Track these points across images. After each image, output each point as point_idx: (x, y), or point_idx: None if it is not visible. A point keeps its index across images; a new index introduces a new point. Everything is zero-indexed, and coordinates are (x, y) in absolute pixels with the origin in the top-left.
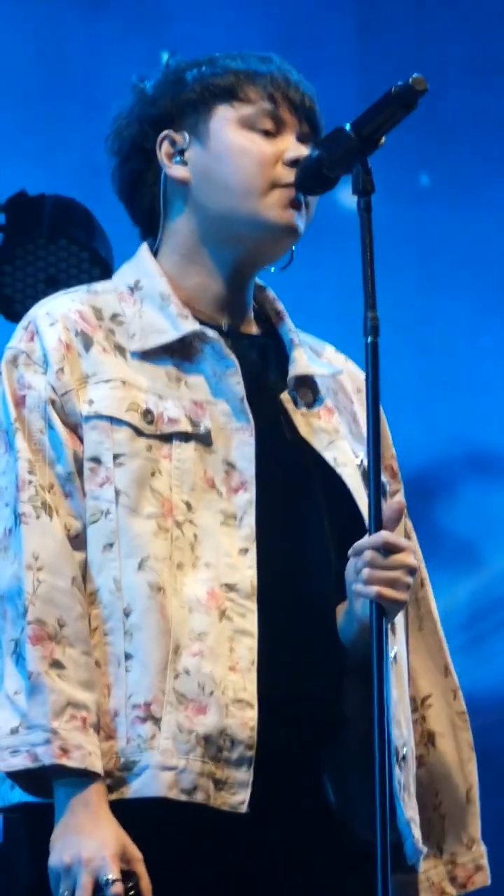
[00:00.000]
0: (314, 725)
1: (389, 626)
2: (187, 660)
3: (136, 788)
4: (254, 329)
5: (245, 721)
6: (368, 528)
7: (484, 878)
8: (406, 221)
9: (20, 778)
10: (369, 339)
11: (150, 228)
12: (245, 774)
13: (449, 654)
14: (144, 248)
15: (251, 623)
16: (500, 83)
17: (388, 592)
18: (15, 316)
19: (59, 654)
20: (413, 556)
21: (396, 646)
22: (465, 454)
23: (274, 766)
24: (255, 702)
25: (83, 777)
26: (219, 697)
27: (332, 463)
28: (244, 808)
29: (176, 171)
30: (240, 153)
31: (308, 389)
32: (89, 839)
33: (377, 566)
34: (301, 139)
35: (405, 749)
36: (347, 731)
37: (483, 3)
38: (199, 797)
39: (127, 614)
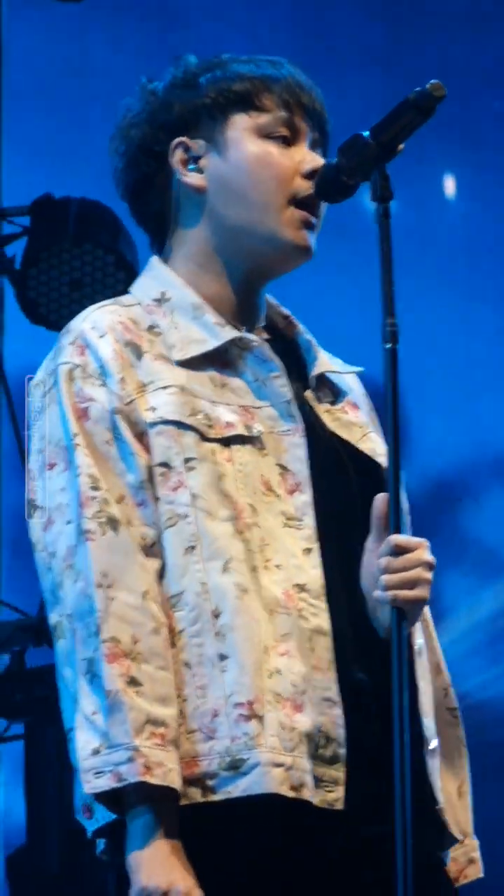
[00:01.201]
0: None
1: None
2: (276, 660)
3: (247, 786)
4: (264, 335)
5: (335, 719)
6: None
7: (476, 871)
8: (431, 226)
9: (104, 800)
10: (388, 346)
11: (157, 231)
12: (339, 772)
13: (441, 653)
14: (158, 260)
15: (325, 622)
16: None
17: (405, 594)
18: (40, 319)
19: (135, 671)
20: (428, 550)
21: (420, 639)
22: (490, 460)
23: (361, 762)
24: (339, 700)
25: (163, 797)
26: (311, 695)
27: (370, 454)
28: (340, 805)
29: (191, 178)
30: (259, 165)
31: (328, 388)
32: (170, 872)
33: (392, 570)
34: (313, 145)
35: (434, 741)
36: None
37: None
38: (305, 794)
39: (216, 615)
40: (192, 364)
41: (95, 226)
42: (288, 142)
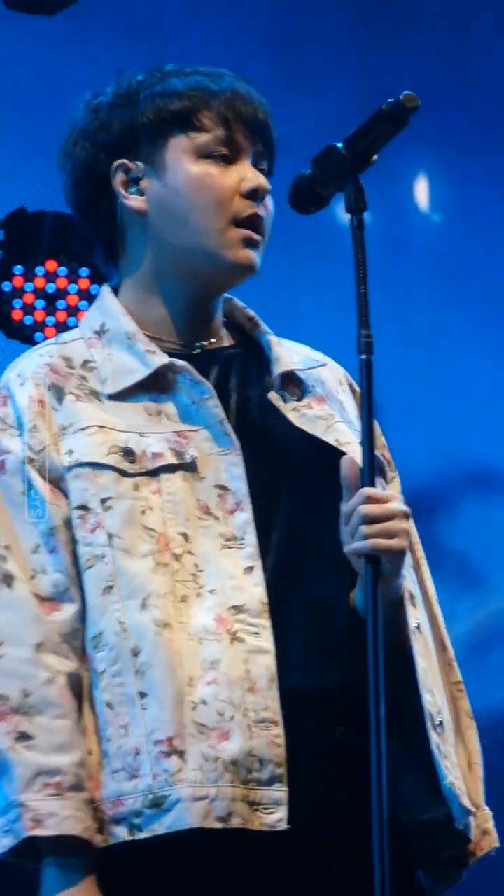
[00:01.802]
0: (341, 724)
1: (409, 597)
2: (202, 689)
3: (170, 823)
4: (226, 342)
5: (271, 739)
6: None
7: (491, 841)
8: (406, 235)
9: (18, 856)
10: (363, 357)
11: (108, 253)
12: (279, 792)
13: (445, 628)
14: (106, 290)
15: (266, 640)
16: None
17: (385, 543)
18: (14, 333)
19: (24, 726)
20: (402, 502)
21: (419, 617)
22: (465, 471)
23: (308, 782)
24: (279, 718)
25: (66, 845)
26: (240, 721)
27: (335, 444)
28: (283, 825)
29: (133, 202)
30: (197, 188)
31: (294, 386)
32: None
33: (369, 519)
34: (257, 158)
35: (440, 716)
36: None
37: (484, 16)
38: (235, 822)
39: (135, 654)
40: (124, 396)
41: (70, 239)
42: (229, 160)
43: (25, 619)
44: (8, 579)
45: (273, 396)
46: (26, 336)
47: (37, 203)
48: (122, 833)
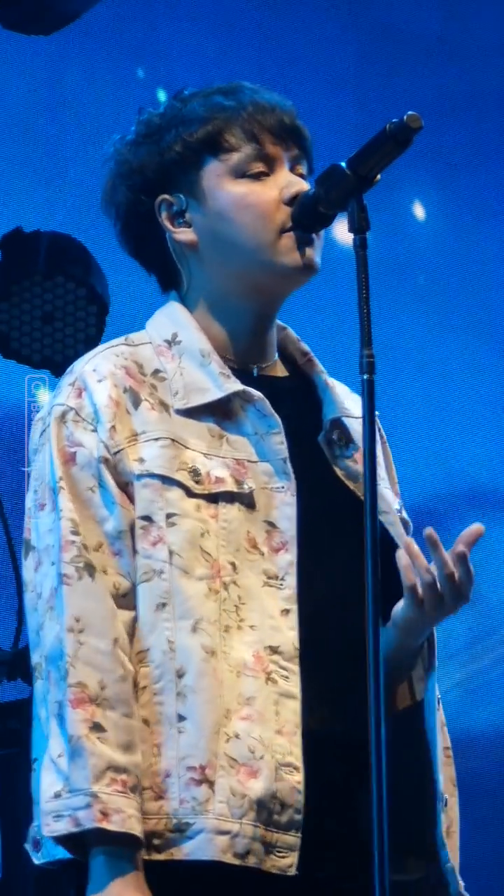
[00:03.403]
0: (358, 779)
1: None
2: (237, 724)
3: (190, 851)
4: (280, 371)
5: (293, 785)
6: (366, 562)
7: None
8: (401, 253)
9: (63, 842)
10: (365, 377)
11: (166, 281)
12: (293, 838)
13: (438, 690)
14: (176, 299)
15: (294, 685)
16: (497, 116)
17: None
18: (11, 353)
19: (99, 717)
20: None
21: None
22: (462, 491)
23: (319, 828)
24: (300, 765)
25: (122, 842)
26: (268, 761)
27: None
28: (293, 871)
29: (181, 235)
30: (241, 209)
31: (341, 432)
32: None
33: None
34: (294, 163)
35: (446, 795)
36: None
37: (479, 38)
38: (251, 861)
39: (180, 675)
40: (192, 413)
41: (66, 259)
42: (265, 173)
43: (105, 611)
44: (90, 569)
45: (322, 441)
46: (23, 356)
47: (33, 223)
48: None
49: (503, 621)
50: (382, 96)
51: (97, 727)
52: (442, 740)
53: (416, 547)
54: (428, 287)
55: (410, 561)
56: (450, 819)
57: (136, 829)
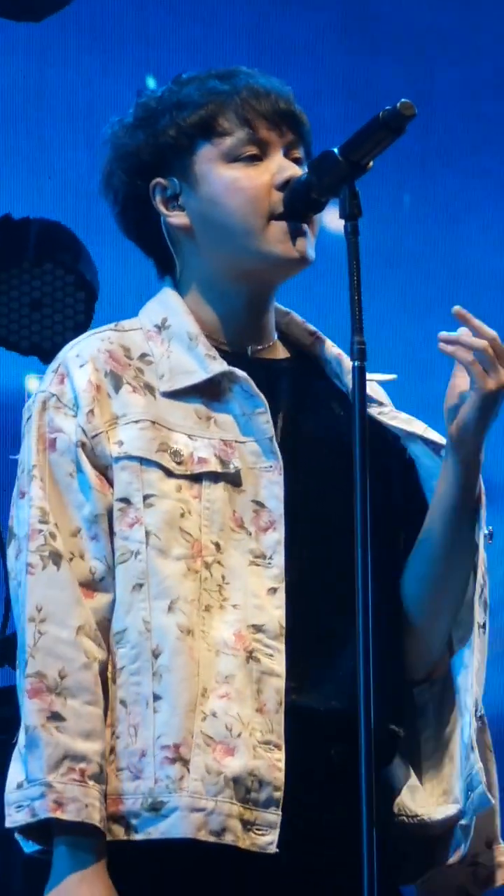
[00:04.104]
0: (346, 756)
1: (483, 602)
2: (214, 702)
3: (165, 829)
4: (280, 353)
5: (273, 763)
6: (356, 537)
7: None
8: (387, 244)
9: (26, 833)
10: (356, 364)
11: (164, 264)
12: (273, 815)
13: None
14: (168, 286)
15: (279, 664)
16: (484, 107)
17: None
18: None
19: (58, 707)
20: None
21: (484, 617)
22: None
23: (304, 805)
24: (282, 743)
25: (80, 831)
26: (246, 739)
27: (438, 439)
28: (273, 849)
29: (175, 218)
30: (231, 193)
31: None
32: None
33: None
34: (289, 148)
35: (481, 711)
36: (389, 745)
37: (470, 30)
38: (227, 838)
39: (156, 655)
40: (178, 395)
41: (55, 247)
42: (259, 157)
43: (69, 599)
44: (55, 557)
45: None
46: (11, 343)
47: (22, 211)
48: (118, 832)
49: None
50: (370, 85)
51: (55, 716)
52: (472, 705)
53: (447, 333)
54: (412, 275)
55: (453, 343)
56: (488, 782)
57: (95, 817)
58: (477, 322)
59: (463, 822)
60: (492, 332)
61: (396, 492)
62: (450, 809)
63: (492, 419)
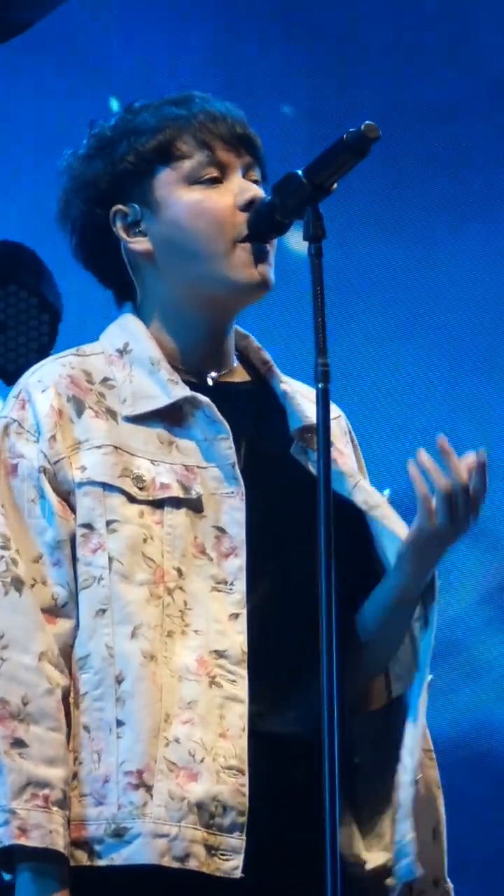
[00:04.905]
0: (309, 780)
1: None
2: (177, 728)
3: (128, 855)
4: (239, 377)
5: (237, 787)
6: (319, 567)
7: None
8: (356, 265)
9: None
10: (320, 386)
11: (122, 292)
12: (237, 840)
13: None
14: (129, 312)
15: (241, 689)
16: (450, 128)
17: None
18: None
19: (21, 733)
20: None
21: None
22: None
23: (268, 829)
24: (245, 768)
25: (44, 858)
26: (209, 764)
27: (363, 507)
28: (238, 874)
29: (137, 244)
30: (192, 217)
31: (312, 436)
32: None
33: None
34: (247, 169)
35: (418, 775)
36: (352, 775)
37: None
38: (191, 864)
39: (119, 681)
40: (140, 420)
41: (18, 268)
42: (219, 180)
43: (31, 625)
44: (17, 583)
45: (295, 450)
46: None
47: None
48: (81, 857)
49: None
50: (333, 105)
51: (18, 743)
52: (421, 742)
53: (426, 455)
54: (382, 297)
55: (420, 471)
56: (436, 820)
57: (59, 843)
58: (454, 461)
59: (388, 881)
60: (464, 481)
61: (348, 549)
62: (379, 858)
63: (433, 555)
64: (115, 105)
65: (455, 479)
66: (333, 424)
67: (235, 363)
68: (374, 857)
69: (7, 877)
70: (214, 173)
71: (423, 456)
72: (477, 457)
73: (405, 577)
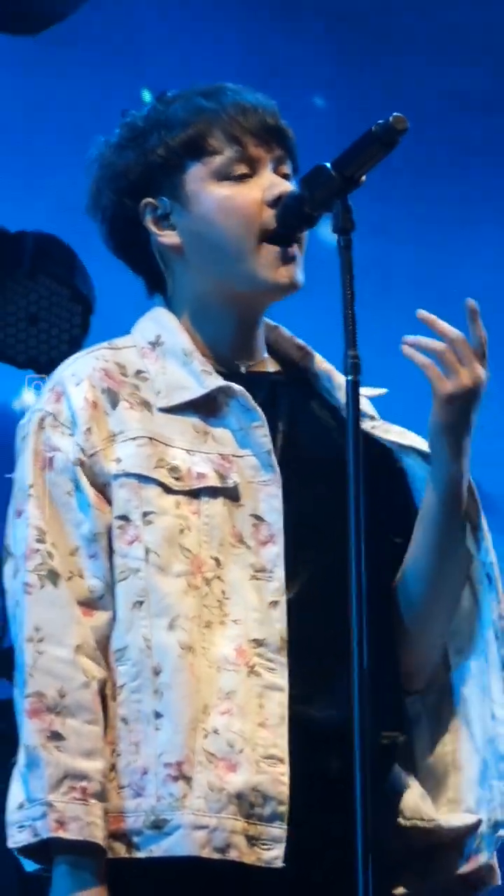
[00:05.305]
0: (344, 767)
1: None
2: (216, 719)
3: (168, 847)
4: (271, 368)
5: (276, 777)
6: (350, 550)
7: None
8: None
9: (28, 853)
10: (349, 378)
11: (153, 282)
12: (279, 830)
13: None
14: (160, 304)
15: (281, 677)
16: (459, 119)
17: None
18: None
19: (58, 726)
20: None
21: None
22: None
23: (309, 817)
24: (286, 756)
25: (82, 850)
26: (249, 755)
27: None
28: (279, 863)
29: (166, 238)
30: (221, 213)
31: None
32: None
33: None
34: (278, 164)
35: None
36: (390, 755)
37: (456, 40)
38: (232, 855)
39: (157, 673)
40: (175, 411)
41: (51, 260)
42: (249, 175)
43: (67, 619)
44: (53, 576)
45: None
46: (8, 357)
47: (17, 224)
48: (119, 849)
49: None
50: (362, 95)
51: (55, 736)
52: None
53: (411, 336)
54: (388, 286)
55: (413, 347)
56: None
57: (97, 836)
58: (441, 325)
59: (484, 829)
60: (456, 334)
61: (387, 507)
62: (466, 818)
63: (461, 423)
64: (147, 97)
65: (447, 336)
66: (368, 403)
67: (265, 355)
68: (456, 818)
69: (30, 868)
70: (244, 170)
71: (409, 337)
72: (467, 306)
73: (442, 463)
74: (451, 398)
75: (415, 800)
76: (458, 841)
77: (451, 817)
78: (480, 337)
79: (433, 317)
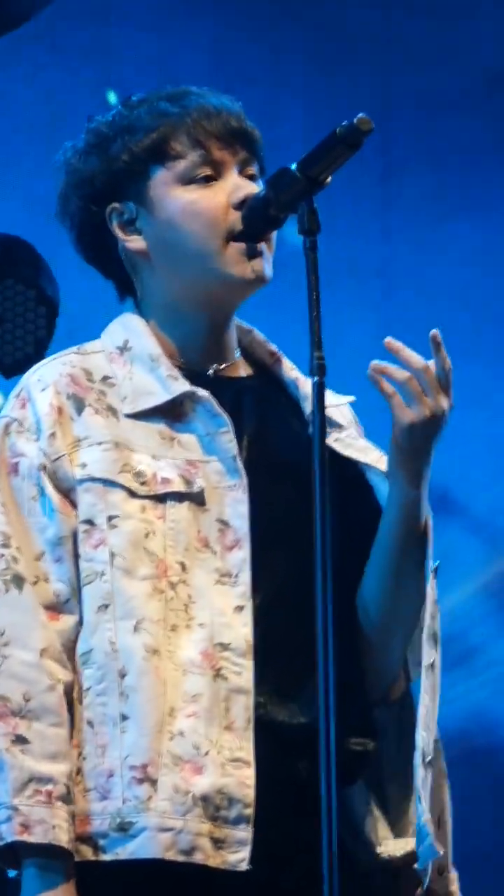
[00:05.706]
0: (311, 772)
1: (433, 637)
2: (182, 721)
3: (133, 850)
4: (242, 372)
5: (242, 780)
6: (315, 555)
7: None
8: (364, 259)
9: (1, 857)
10: (315, 379)
11: (123, 287)
12: (244, 832)
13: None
14: (130, 308)
15: (246, 680)
16: (454, 119)
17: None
18: None
19: (22, 730)
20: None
21: (435, 656)
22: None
23: (275, 821)
24: (252, 759)
25: (48, 853)
26: (214, 757)
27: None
28: (245, 866)
29: (133, 243)
30: (186, 216)
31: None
32: None
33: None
34: (243, 166)
35: (430, 756)
36: (360, 763)
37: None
38: (197, 857)
39: (122, 675)
40: (141, 417)
41: (16, 261)
42: (214, 178)
43: (33, 622)
44: (18, 581)
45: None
46: None
47: None
48: (86, 852)
49: None
50: (330, 97)
51: (20, 739)
52: (429, 722)
53: (377, 362)
54: (389, 289)
55: (379, 374)
56: (441, 808)
57: (62, 839)
58: (407, 353)
59: (417, 866)
60: (422, 363)
61: (354, 513)
62: (409, 844)
63: (420, 451)
64: (112, 98)
65: (413, 365)
66: (344, 410)
67: (238, 357)
68: (403, 844)
69: (12, 873)
70: (208, 172)
71: (375, 363)
72: (431, 337)
73: (400, 487)
74: (412, 427)
75: (372, 822)
76: (407, 866)
77: (397, 846)
78: (445, 367)
79: (399, 344)
